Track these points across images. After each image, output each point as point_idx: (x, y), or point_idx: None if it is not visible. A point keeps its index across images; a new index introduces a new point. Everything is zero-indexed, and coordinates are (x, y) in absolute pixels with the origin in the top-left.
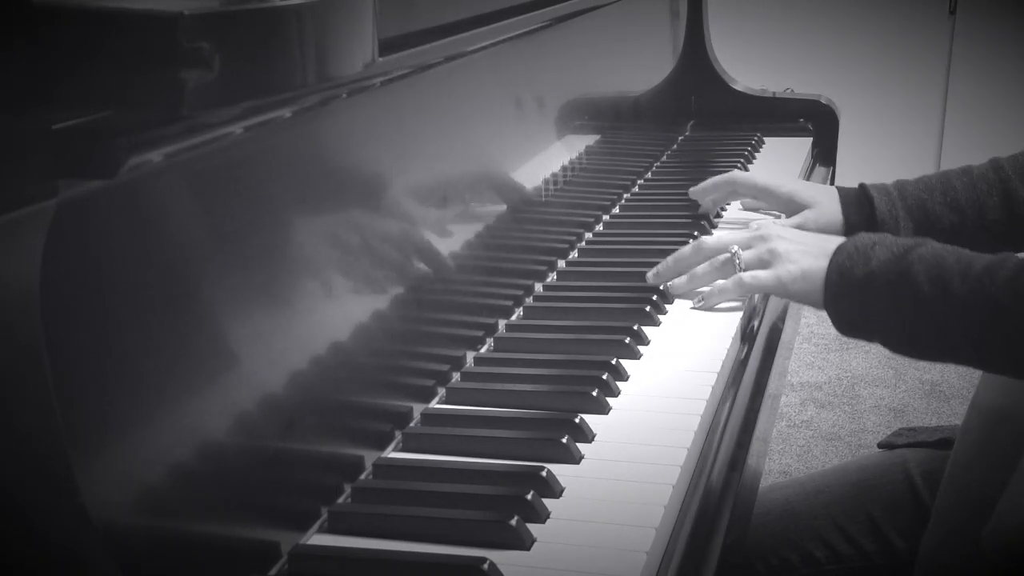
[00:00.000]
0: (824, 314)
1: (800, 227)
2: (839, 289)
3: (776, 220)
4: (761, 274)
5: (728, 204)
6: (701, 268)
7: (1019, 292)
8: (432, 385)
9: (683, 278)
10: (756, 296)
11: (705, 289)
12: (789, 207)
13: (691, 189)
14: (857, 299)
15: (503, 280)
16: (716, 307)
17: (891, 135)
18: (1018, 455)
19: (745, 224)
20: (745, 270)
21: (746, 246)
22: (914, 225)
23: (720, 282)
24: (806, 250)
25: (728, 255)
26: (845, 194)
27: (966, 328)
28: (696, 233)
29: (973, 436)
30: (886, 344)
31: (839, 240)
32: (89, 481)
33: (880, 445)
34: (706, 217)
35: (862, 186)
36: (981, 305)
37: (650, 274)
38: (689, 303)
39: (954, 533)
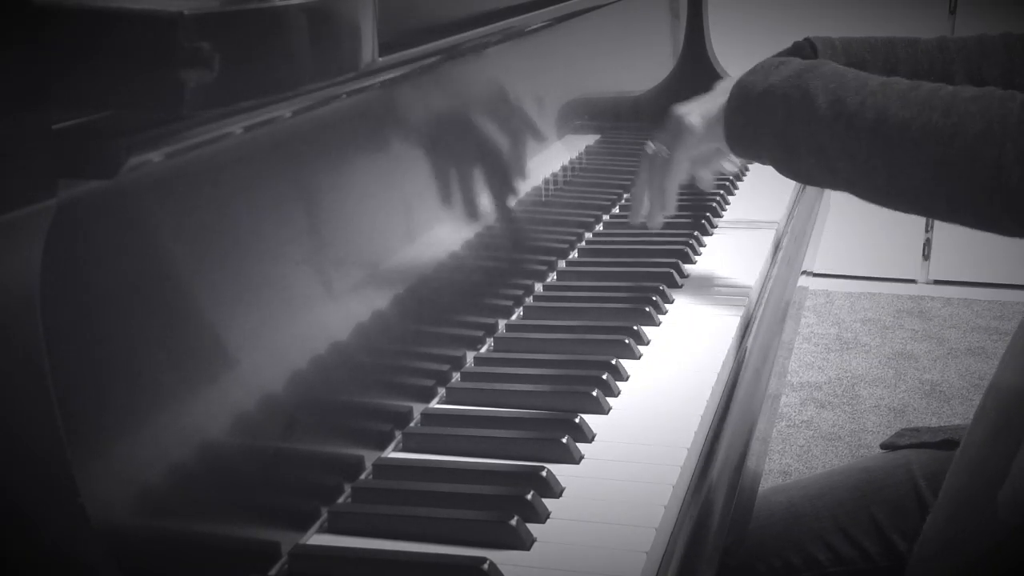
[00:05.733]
0: (823, 313)
1: None
2: (737, 103)
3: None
4: (669, 142)
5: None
6: (652, 184)
7: (909, 101)
8: (432, 385)
9: (646, 206)
10: (755, 296)
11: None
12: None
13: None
14: (752, 113)
15: (503, 280)
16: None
17: None
18: None
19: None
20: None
21: (659, 134)
22: None
23: (644, 177)
24: (704, 99)
25: (649, 152)
26: (793, 47)
27: (852, 144)
28: (697, 233)
29: (990, 416)
30: (774, 163)
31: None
32: (88, 481)
33: (883, 446)
34: (707, 216)
35: (808, 38)
36: (871, 116)
37: (635, 220)
38: (689, 303)
39: (965, 506)
